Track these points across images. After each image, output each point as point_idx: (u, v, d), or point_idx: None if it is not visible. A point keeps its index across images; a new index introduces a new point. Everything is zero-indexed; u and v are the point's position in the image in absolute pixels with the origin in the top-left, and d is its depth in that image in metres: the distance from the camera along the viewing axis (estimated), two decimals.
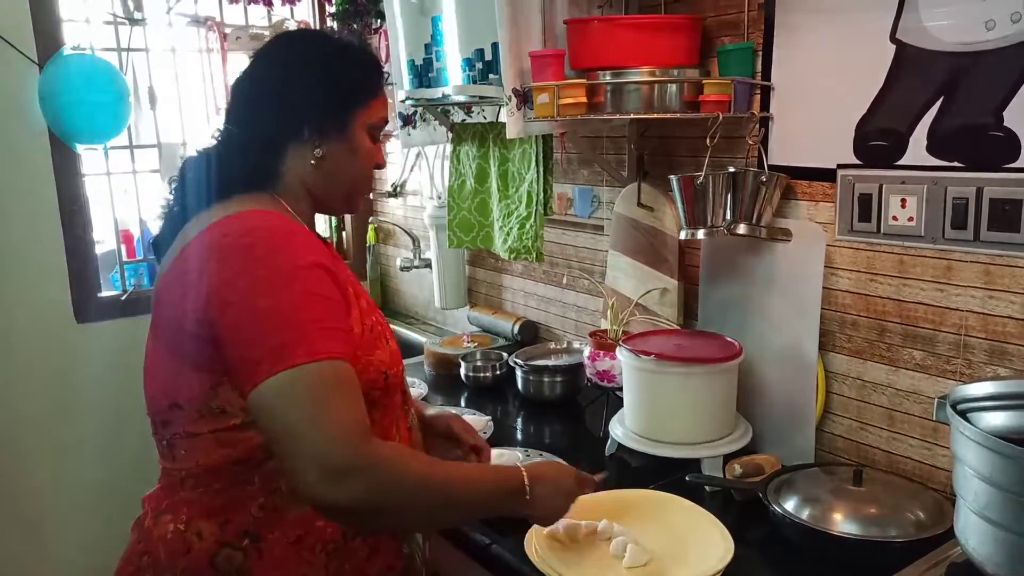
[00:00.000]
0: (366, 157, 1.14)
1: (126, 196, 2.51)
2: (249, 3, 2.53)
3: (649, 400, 1.47)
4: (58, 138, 2.23)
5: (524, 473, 1.08)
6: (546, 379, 1.85)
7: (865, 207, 1.37)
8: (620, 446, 1.52)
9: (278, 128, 1.09)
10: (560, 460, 1.36)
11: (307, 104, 1.08)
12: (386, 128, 1.22)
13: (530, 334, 2.22)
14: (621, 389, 1.59)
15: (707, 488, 1.39)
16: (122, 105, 2.22)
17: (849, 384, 1.46)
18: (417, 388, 1.96)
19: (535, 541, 1.21)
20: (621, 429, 1.52)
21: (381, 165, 1.18)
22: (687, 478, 1.38)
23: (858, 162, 1.38)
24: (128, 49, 2.36)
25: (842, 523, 1.19)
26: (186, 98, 2.52)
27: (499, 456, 1.53)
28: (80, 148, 2.29)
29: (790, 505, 1.25)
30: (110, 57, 2.29)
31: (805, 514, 1.22)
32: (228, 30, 2.46)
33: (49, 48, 2.19)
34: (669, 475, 1.42)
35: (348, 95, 1.11)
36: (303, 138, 1.09)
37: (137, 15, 2.28)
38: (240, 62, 2.59)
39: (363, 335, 1.06)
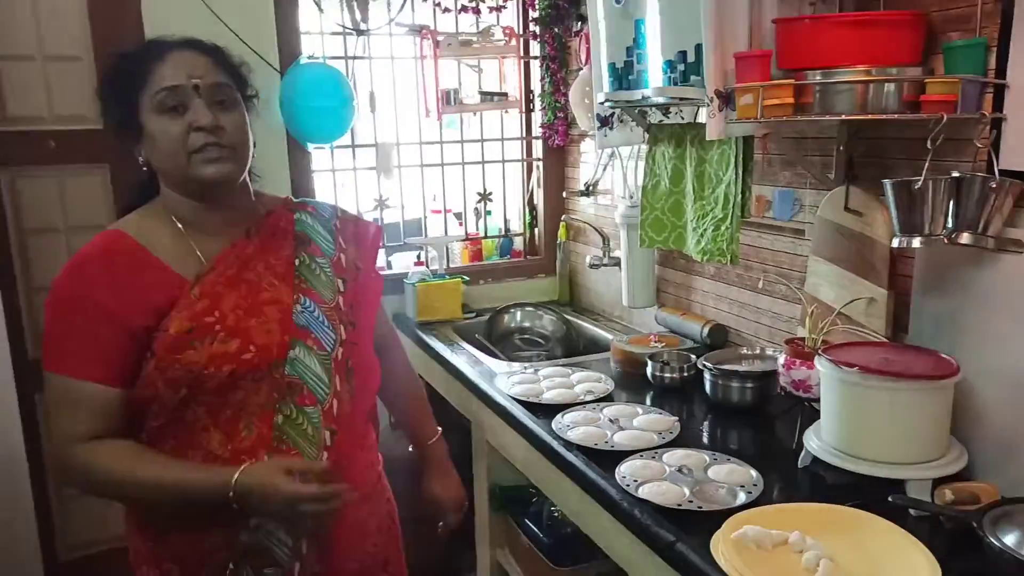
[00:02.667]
0: (163, 136, 1.20)
1: (343, 190, 2.78)
2: (460, 12, 2.69)
3: (851, 414, 1.41)
4: (293, 138, 2.51)
5: (231, 491, 1.15)
6: (735, 384, 1.82)
7: None
8: (815, 459, 1.47)
9: (124, 149, 1.27)
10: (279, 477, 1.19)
11: (115, 126, 1.26)
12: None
13: (719, 338, 2.18)
14: (817, 400, 1.53)
15: (912, 512, 1.31)
16: (348, 108, 2.44)
17: None
18: (603, 384, 2.00)
19: (722, 544, 1.21)
20: (816, 442, 1.47)
21: (194, 127, 1.20)
22: (890, 499, 1.30)
23: None
24: (354, 57, 2.60)
25: None
26: (400, 101, 2.74)
27: (686, 457, 1.55)
28: (311, 147, 2.56)
29: (1010, 540, 1.15)
30: (339, 65, 2.54)
31: None
32: (440, 38, 2.63)
33: (289, 57, 2.47)
34: (868, 494, 1.35)
35: (120, 103, 1.23)
36: (133, 152, 1.26)
37: (363, 26, 2.50)
38: (450, 67, 2.77)
39: (178, 336, 1.19)
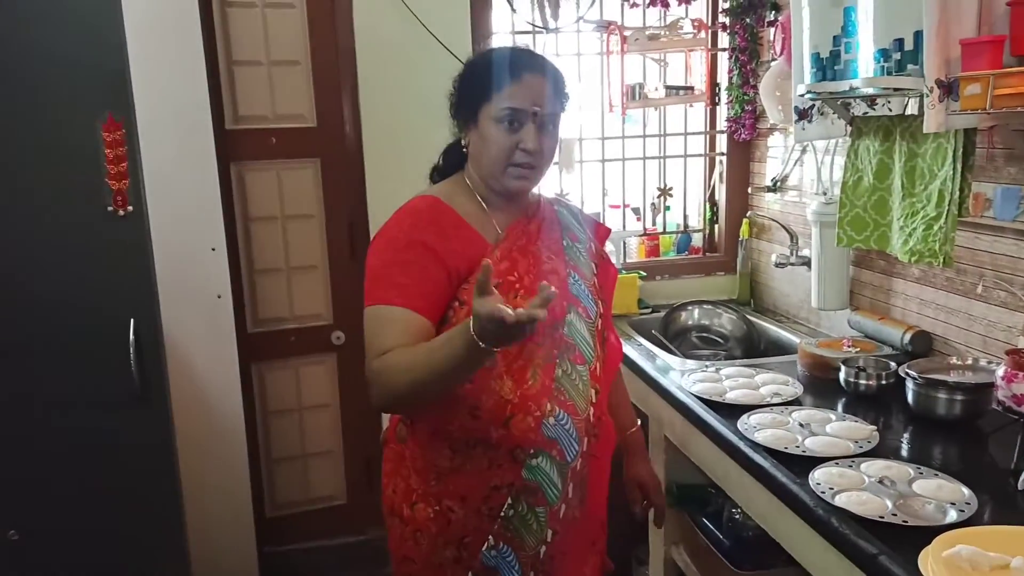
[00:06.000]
0: (494, 143, 1.36)
1: None
2: (648, 5, 2.68)
3: None
4: None
5: (473, 330, 1.16)
6: (943, 396, 1.69)
7: None
8: None
9: (455, 125, 1.45)
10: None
11: (455, 107, 1.43)
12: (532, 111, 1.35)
13: (923, 345, 2.04)
14: None
15: None
16: None
17: None
18: (791, 387, 1.93)
19: (932, 561, 1.14)
20: None
21: (521, 147, 1.35)
22: None
23: None
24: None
25: None
26: (584, 96, 2.78)
27: (887, 468, 1.47)
28: None
29: None
30: None
31: None
32: (627, 32, 2.63)
33: None
34: None
35: (470, 97, 1.38)
36: (460, 132, 1.43)
37: (552, 24, 2.55)
38: (635, 62, 2.77)
39: None
